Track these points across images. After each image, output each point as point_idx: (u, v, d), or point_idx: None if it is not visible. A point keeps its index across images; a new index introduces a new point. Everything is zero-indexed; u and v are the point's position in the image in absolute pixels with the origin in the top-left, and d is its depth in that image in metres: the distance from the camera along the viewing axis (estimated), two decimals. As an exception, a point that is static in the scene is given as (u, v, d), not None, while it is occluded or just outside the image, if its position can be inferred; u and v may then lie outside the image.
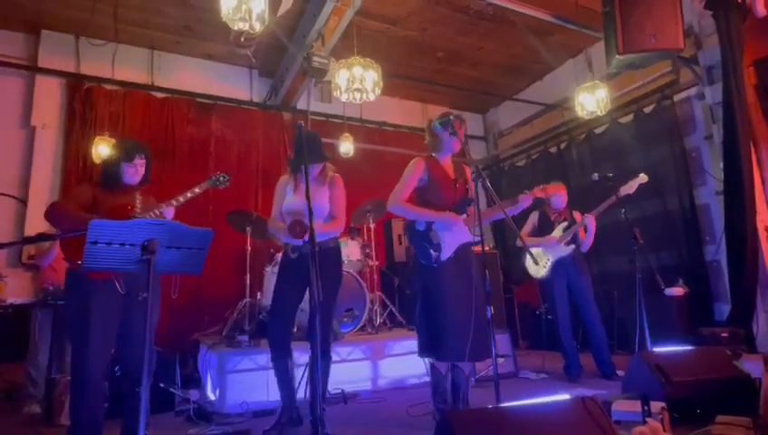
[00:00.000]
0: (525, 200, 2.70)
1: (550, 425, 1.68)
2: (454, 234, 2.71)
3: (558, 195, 4.08)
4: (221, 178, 2.83)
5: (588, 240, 4.00)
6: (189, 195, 2.63)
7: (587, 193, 5.07)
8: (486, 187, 2.61)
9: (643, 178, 3.76)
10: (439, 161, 2.86)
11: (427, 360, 2.81)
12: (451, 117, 2.77)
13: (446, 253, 2.68)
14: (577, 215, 4.12)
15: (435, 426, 2.48)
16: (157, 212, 2.52)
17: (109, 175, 2.54)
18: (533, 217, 4.24)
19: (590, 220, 3.91)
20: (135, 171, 2.54)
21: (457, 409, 2.72)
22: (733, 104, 3.97)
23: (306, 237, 2.59)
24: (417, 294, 2.78)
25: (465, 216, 2.75)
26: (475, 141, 7.85)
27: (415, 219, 2.75)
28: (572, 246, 3.98)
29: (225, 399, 3.46)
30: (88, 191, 2.49)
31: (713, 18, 4.16)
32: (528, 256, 4.03)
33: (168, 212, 2.56)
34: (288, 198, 2.89)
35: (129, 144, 2.59)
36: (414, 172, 2.78)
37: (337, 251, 2.93)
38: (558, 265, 3.98)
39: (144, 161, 2.57)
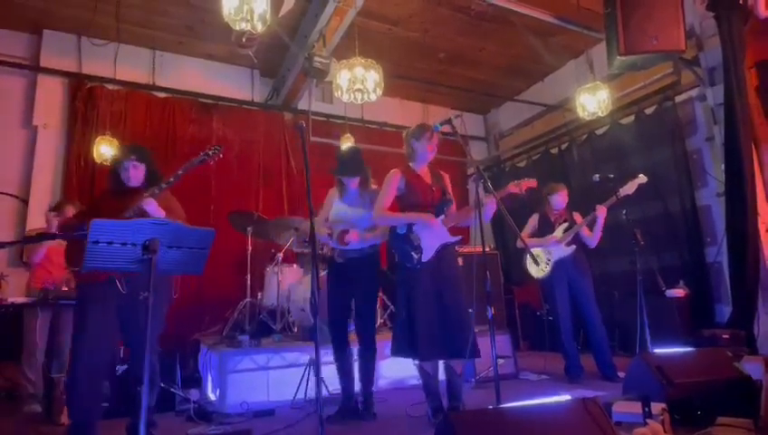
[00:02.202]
0: (506, 191, 2.79)
1: (550, 426, 1.68)
2: (433, 235, 2.80)
3: (558, 195, 4.07)
4: (210, 152, 2.66)
5: (596, 235, 3.95)
6: (173, 179, 2.53)
7: (588, 194, 5.06)
8: (488, 188, 2.62)
9: (642, 178, 3.76)
10: (416, 170, 2.99)
11: (415, 362, 2.86)
12: (423, 129, 2.93)
13: (427, 254, 2.78)
14: (577, 216, 4.10)
15: (434, 426, 2.51)
16: (134, 208, 2.42)
17: (111, 178, 2.63)
18: (533, 219, 4.23)
19: (602, 212, 3.84)
20: (128, 175, 2.57)
21: (453, 406, 2.75)
22: (734, 106, 3.96)
23: (350, 243, 3.03)
24: (399, 297, 2.89)
25: (443, 217, 2.82)
26: (476, 142, 7.84)
27: (396, 224, 2.88)
28: (573, 247, 3.96)
29: (226, 399, 3.47)
30: (94, 205, 2.61)
31: (714, 20, 4.15)
32: (529, 257, 4.03)
33: (148, 204, 2.44)
34: (335, 206, 3.21)
35: (123, 148, 2.68)
36: (391, 183, 2.92)
37: (374, 257, 3.19)
38: (559, 266, 3.96)
39: (137, 163, 2.58)
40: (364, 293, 3.13)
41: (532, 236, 4.16)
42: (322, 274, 4.62)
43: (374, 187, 3.21)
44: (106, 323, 2.34)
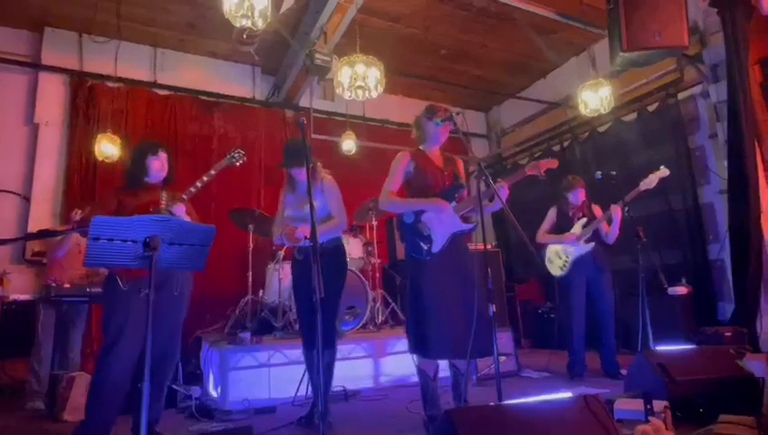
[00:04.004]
0: (522, 174, 2.67)
1: (552, 423, 1.67)
2: (444, 223, 2.60)
3: (575, 191, 3.98)
4: (236, 155, 2.83)
5: (613, 232, 3.87)
6: (204, 180, 2.63)
7: (590, 191, 5.04)
8: (489, 184, 2.59)
9: (664, 171, 3.67)
10: (426, 153, 2.81)
11: (415, 363, 2.70)
12: (435, 108, 2.76)
13: (438, 244, 2.59)
14: (596, 209, 4.01)
15: (428, 432, 2.45)
16: (167, 211, 2.52)
17: (134, 174, 2.61)
18: (552, 214, 4.11)
19: (617, 211, 3.78)
20: (161, 165, 2.63)
21: (457, 405, 2.69)
22: (737, 103, 3.94)
23: (301, 237, 2.79)
24: (409, 290, 2.68)
25: (454, 203, 2.64)
26: (478, 139, 7.83)
27: (403, 212, 2.69)
28: (592, 244, 3.86)
29: (227, 396, 3.47)
30: (113, 197, 2.56)
31: (718, 16, 4.13)
32: (547, 255, 3.98)
33: (178, 209, 2.53)
34: (288, 206, 3.03)
35: (151, 141, 2.71)
36: (399, 165, 2.75)
37: (336, 251, 2.97)
38: (578, 264, 3.86)
39: (167, 155, 2.66)
40: (326, 288, 2.70)
41: (551, 230, 4.07)
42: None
43: (325, 175, 3.01)
44: (141, 321, 2.35)
